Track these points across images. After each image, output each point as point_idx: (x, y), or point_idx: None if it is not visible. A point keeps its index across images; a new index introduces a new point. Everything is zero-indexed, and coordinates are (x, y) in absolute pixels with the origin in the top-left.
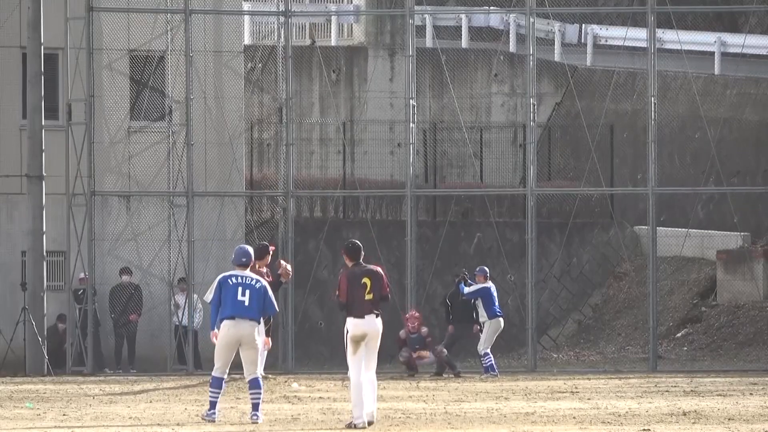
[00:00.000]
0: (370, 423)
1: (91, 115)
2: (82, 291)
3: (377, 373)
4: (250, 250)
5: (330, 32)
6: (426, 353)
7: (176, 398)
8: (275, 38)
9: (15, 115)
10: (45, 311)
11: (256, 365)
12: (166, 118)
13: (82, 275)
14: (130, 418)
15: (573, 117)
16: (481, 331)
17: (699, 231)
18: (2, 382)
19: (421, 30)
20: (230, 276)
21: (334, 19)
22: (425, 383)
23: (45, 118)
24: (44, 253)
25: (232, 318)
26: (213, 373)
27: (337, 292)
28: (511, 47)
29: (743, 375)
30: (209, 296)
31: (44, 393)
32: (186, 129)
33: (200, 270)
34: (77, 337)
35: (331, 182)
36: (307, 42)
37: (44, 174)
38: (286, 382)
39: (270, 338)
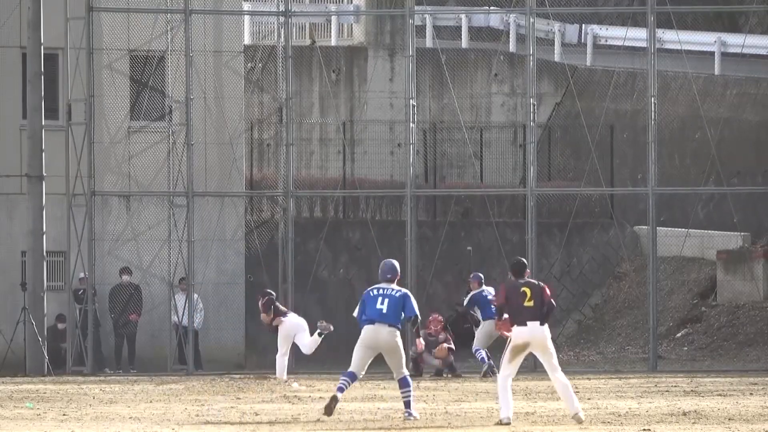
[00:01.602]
0: (579, 420)
1: (91, 115)
2: (82, 291)
3: (376, 372)
4: (397, 266)
5: (330, 32)
6: (441, 352)
7: (176, 398)
8: (275, 38)
9: (15, 115)
10: (45, 311)
11: (401, 366)
12: (166, 118)
13: (82, 275)
14: (130, 418)
15: (573, 117)
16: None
17: (699, 231)
18: (2, 382)
19: (421, 30)
20: (372, 289)
21: (334, 19)
22: (425, 383)
23: (45, 118)
24: (44, 253)
25: (372, 322)
26: (350, 369)
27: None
28: (511, 47)
29: (743, 375)
30: (356, 312)
31: (44, 393)
32: (186, 129)
33: (200, 270)
34: (77, 337)
35: (331, 182)
36: (307, 42)
37: (44, 174)
38: (286, 382)
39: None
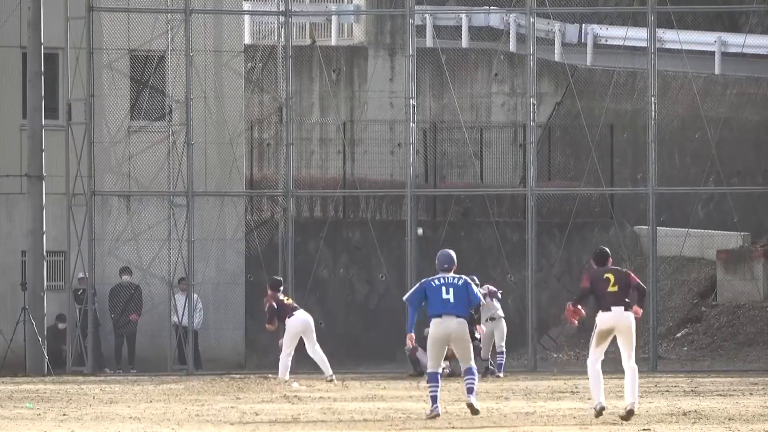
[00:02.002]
0: (630, 412)
1: (91, 115)
2: (82, 291)
3: (376, 372)
4: (453, 255)
5: (330, 32)
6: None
7: (176, 398)
8: (275, 38)
9: (15, 115)
10: (45, 311)
11: (469, 357)
12: (166, 118)
13: (81, 275)
14: (130, 418)
15: (573, 117)
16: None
17: (699, 231)
18: (2, 382)
19: (421, 30)
20: (433, 279)
21: (334, 18)
22: (425, 383)
23: (45, 118)
24: (44, 253)
25: (439, 315)
26: (428, 370)
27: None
28: (511, 47)
29: (743, 375)
30: (407, 295)
31: (44, 393)
32: (186, 129)
33: (200, 270)
34: (77, 337)
35: (331, 182)
36: (307, 42)
37: (44, 174)
38: (286, 381)
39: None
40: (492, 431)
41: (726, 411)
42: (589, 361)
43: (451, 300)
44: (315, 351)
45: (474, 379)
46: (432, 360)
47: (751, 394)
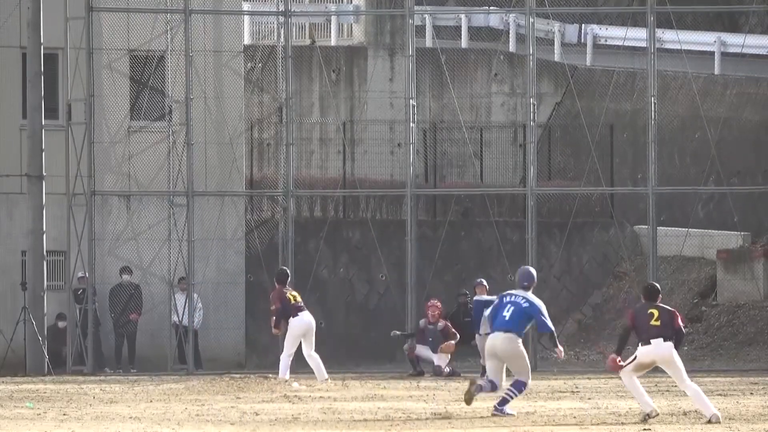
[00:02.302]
0: (717, 420)
1: (91, 115)
2: (82, 291)
3: (376, 372)
4: (533, 273)
5: (330, 32)
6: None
7: (176, 398)
8: (275, 38)
9: (15, 115)
10: (45, 311)
11: (522, 373)
12: (166, 118)
13: (81, 274)
14: (130, 418)
15: (573, 117)
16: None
17: (699, 231)
18: (2, 382)
19: (421, 30)
20: (506, 294)
21: (333, 19)
22: (425, 383)
23: (45, 118)
24: (44, 253)
25: (493, 331)
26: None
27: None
28: (511, 47)
29: (743, 375)
30: (487, 311)
31: (44, 393)
32: (186, 129)
33: (200, 270)
34: (77, 336)
35: (331, 182)
36: (307, 42)
37: (44, 174)
38: (286, 381)
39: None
40: (492, 431)
41: (726, 411)
42: (625, 380)
43: (507, 318)
44: (311, 356)
45: (514, 393)
46: (489, 373)
47: (751, 394)
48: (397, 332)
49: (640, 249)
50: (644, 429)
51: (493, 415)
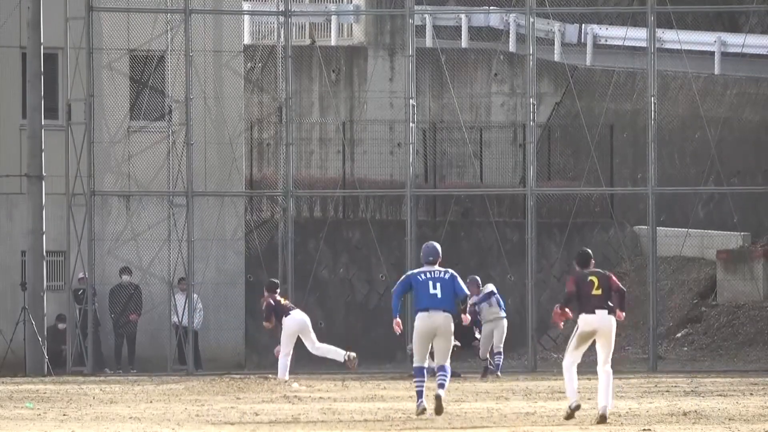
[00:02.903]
0: (603, 417)
1: (91, 115)
2: (81, 291)
3: (376, 372)
4: (438, 248)
5: (330, 32)
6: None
7: (176, 398)
8: (275, 38)
9: (15, 115)
10: (45, 311)
11: (447, 355)
12: (166, 118)
13: (81, 275)
14: (130, 418)
15: (573, 117)
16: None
17: (699, 231)
18: (2, 382)
19: (421, 30)
20: (419, 272)
21: (334, 19)
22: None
23: (45, 118)
24: (44, 253)
25: (426, 310)
26: (414, 364)
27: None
28: (511, 47)
29: (743, 375)
30: (395, 288)
31: (44, 393)
32: (186, 129)
33: (200, 270)
34: (77, 337)
35: (331, 182)
36: (307, 42)
37: (44, 174)
38: (286, 381)
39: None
40: (492, 431)
41: (726, 411)
42: (565, 363)
43: (439, 295)
44: (318, 348)
45: (446, 376)
46: (418, 354)
47: (751, 394)
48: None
49: (640, 249)
50: (644, 429)
51: (437, 397)
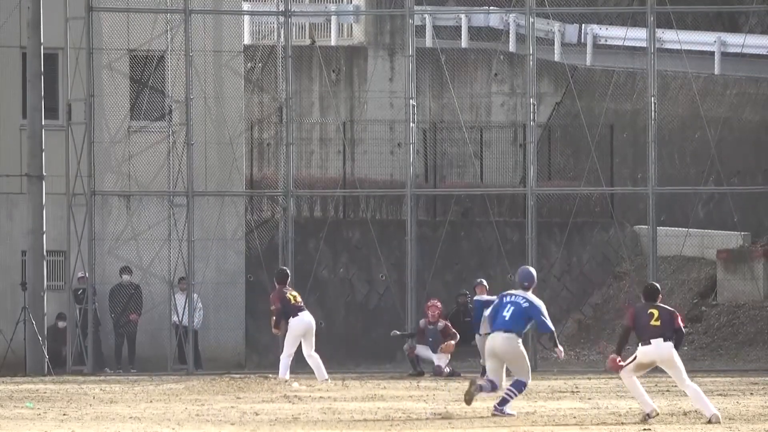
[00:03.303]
0: (717, 420)
1: (91, 115)
2: (82, 291)
3: (376, 372)
4: (533, 273)
5: (330, 32)
6: (448, 348)
7: (176, 398)
8: (275, 38)
9: (15, 115)
10: (45, 311)
11: (521, 372)
12: (166, 118)
13: (81, 274)
14: (130, 418)
15: (573, 117)
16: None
17: (699, 231)
18: (2, 382)
19: (421, 30)
20: (506, 294)
21: (333, 19)
22: (425, 383)
23: (45, 118)
24: (44, 253)
25: (493, 331)
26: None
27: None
28: (511, 47)
29: (743, 375)
30: (487, 311)
31: (44, 393)
32: (186, 129)
33: (200, 270)
34: (77, 336)
35: (331, 182)
36: (307, 42)
37: (44, 174)
38: (286, 381)
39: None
40: (492, 431)
41: (726, 411)
42: (627, 382)
43: (507, 318)
44: (311, 356)
45: (514, 393)
46: (489, 373)
47: (751, 394)
48: (397, 332)
49: (640, 249)
50: (644, 429)
51: (493, 414)
